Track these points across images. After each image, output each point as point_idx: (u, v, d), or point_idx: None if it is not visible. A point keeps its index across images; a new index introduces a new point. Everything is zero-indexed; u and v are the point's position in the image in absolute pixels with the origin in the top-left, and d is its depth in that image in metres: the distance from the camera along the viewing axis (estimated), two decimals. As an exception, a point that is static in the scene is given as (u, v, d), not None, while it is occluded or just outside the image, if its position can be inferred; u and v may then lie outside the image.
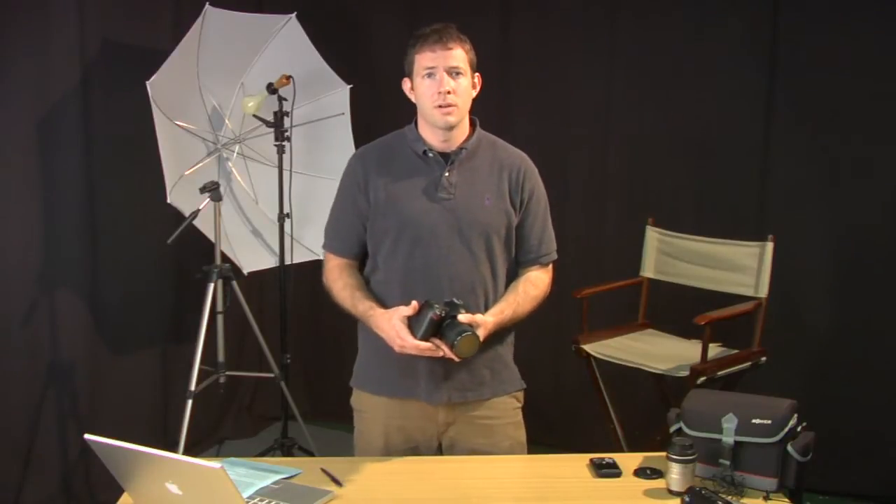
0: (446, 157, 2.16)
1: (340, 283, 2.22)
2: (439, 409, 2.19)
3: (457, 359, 2.03)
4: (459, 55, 2.10)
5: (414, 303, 2.05)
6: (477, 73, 2.17)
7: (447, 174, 2.14)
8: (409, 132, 2.21)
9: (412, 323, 2.04)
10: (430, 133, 2.17)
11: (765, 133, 3.72)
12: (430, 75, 2.10)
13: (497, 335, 2.17)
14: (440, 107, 2.09)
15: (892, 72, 3.48)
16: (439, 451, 2.25)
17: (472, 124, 2.22)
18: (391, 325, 2.06)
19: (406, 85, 2.18)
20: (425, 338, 2.02)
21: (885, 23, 3.47)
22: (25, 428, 3.25)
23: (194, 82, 3.47)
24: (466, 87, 2.12)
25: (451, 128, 2.13)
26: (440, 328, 2.02)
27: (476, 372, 2.19)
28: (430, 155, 2.16)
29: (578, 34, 4.02)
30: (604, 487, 2.00)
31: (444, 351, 2.03)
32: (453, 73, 2.09)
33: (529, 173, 2.23)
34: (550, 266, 2.31)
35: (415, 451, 2.22)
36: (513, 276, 2.25)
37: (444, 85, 2.08)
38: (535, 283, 2.24)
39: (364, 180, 2.18)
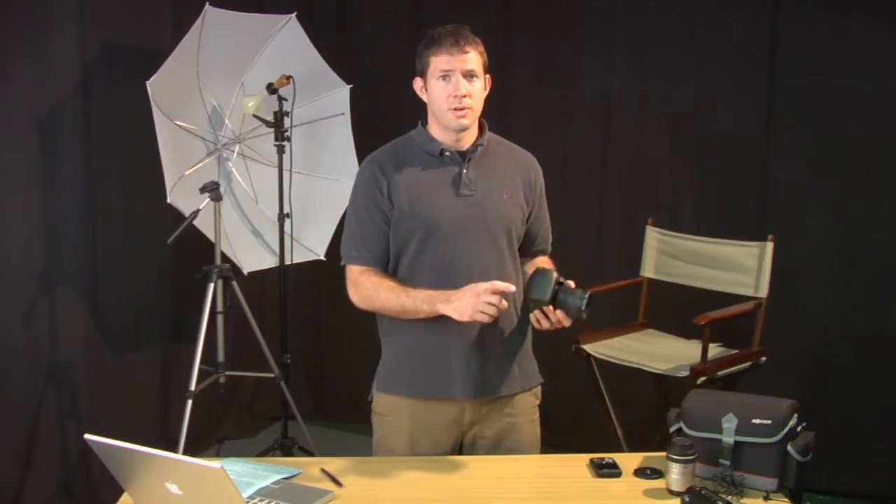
0: (462, 156, 2.17)
1: (384, 288, 2.13)
2: (466, 409, 2.19)
3: (567, 324, 2.02)
4: (474, 58, 2.11)
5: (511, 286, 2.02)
6: (487, 75, 2.18)
7: (466, 171, 2.16)
8: (417, 135, 2.22)
9: (528, 289, 2.00)
10: (442, 133, 2.17)
11: (765, 133, 3.72)
12: (445, 78, 2.10)
13: (522, 328, 2.22)
14: (455, 109, 2.10)
15: (891, 71, 3.48)
16: (460, 452, 2.25)
17: (481, 123, 2.23)
18: (473, 288, 2.00)
19: (417, 84, 2.18)
20: (552, 300, 1.98)
21: (885, 22, 3.47)
22: (25, 428, 3.25)
23: (194, 82, 3.47)
24: (480, 90, 2.14)
25: (464, 129, 2.15)
26: (558, 293, 1.99)
27: (507, 367, 2.20)
28: (447, 154, 2.16)
29: (578, 34, 4.02)
30: (604, 487, 2.00)
31: (555, 319, 2.01)
32: (469, 76, 2.10)
33: (537, 170, 2.29)
34: None
35: (439, 454, 2.21)
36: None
37: (460, 88, 2.09)
38: (552, 265, 2.30)
39: (385, 184, 2.16)
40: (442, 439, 2.21)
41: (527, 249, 2.31)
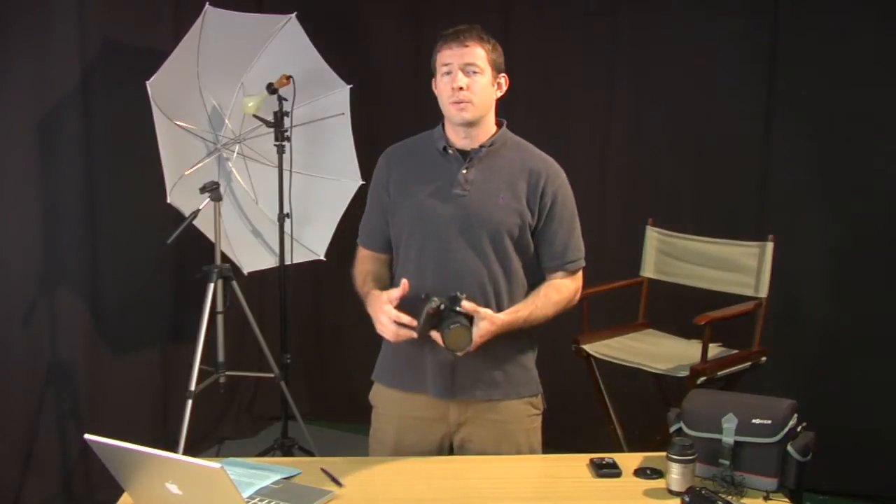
0: (465, 155, 2.18)
1: (360, 268, 2.30)
2: (450, 408, 2.19)
3: (457, 352, 2.03)
4: (478, 53, 2.13)
5: (404, 282, 2.08)
6: (503, 75, 2.19)
7: (464, 171, 2.16)
8: (435, 131, 2.25)
9: (415, 316, 2.04)
10: (453, 131, 2.20)
11: (765, 133, 3.72)
12: (447, 72, 2.13)
13: (515, 337, 2.17)
14: (454, 103, 2.12)
15: (891, 72, 3.48)
16: (450, 451, 2.25)
17: (500, 125, 2.24)
18: (379, 305, 2.09)
19: (434, 84, 2.21)
20: (425, 332, 2.03)
21: (885, 23, 3.47)
22: (25, 428, 3.25)
23: (194, 82, 3.47)
24: (483, 86, 2.14)
25: (467, 124, 2.15)
26: (440, 320, 2.02)
27: (487, 371, 2.18)
28: (450, 152, 2.18)
29: (579, 34, 4.02)
30: (604, 487, 2.00)
31: (441, 343, 2.04)
32: (469, 70, 2.12)
33: (552, 178, 2.21)
34: (579, 273, 2.27)
35: (427, 450, 2.21)
36: (538, 278, 2.24)
37: (456, 81, 2.10)
38: (559, 289, 2.22)
39: (387, 176, 2.24)
40: (428, 436, 2.22)
41: (545, 263, 2.24)
